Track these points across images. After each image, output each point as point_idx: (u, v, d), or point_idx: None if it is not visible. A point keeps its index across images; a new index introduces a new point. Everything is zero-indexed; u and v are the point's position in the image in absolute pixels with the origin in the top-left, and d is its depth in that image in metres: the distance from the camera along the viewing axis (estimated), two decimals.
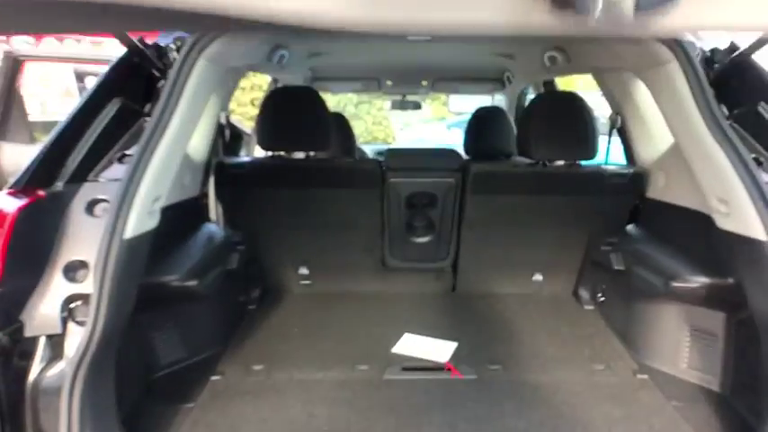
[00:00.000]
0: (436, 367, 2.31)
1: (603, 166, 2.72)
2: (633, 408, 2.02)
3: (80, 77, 3.63)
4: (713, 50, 1.97)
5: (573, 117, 2.60)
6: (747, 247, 1.64)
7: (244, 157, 3.46)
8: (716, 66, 1.94)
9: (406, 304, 2.98)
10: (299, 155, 2.73)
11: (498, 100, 5.43)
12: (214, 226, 2.74)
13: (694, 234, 2.20)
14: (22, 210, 1.47)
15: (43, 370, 1.50)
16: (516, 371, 2.27)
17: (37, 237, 1.54)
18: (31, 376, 1.49)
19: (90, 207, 1.63)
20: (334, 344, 2.50)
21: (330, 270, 3.05)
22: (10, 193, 1.54)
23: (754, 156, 1.72)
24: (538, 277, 3.04)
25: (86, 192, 1.65)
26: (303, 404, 2.04)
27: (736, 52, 1.88)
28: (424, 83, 4.84)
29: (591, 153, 2.62)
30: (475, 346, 2.48)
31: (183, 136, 1.80)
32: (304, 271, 3.05)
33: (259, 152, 2.90)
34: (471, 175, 2.66)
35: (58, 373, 1.50)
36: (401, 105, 5.61)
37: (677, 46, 1.82)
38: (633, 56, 2.06)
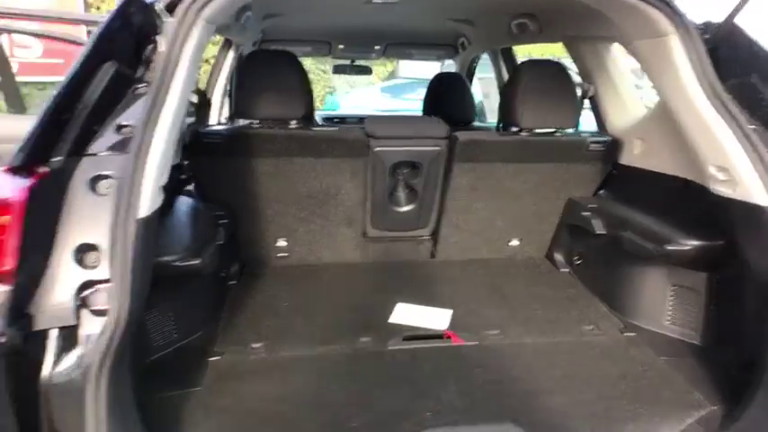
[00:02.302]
0: (436, 335, 2.32)
1: (583, 134, 2.80)
2: (628, 364, 2.13)
3: None
4: (706, 23, 2.05)
5: (558, 86, 2.64)
6: (747, 213, 1.75)
7: (219, 126, 3.28)
8: (707, 37, 2.03)
9: (388, 273, 2.96)
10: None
11: (447, 66, 5.45)
12: (192, 199, 2.57)
13: (672, 198, 2.33)
14: (31, 190, 1.30)
15: (57, 366, 1.35)
16: (514, 335, 2.33)
17: (44, 220, 1.38)
18: (44, 373, 1.34)
19: (93, 183, 1.46)
20: (328, 317, 2.45)
21: (309, 242, 2.96)
22: (7, 170, 1.36)
23: (752, 126, 1.84)
24: (515, 242, 3.11)
25: (87, 167, 1.47)
26: (314, 380, 1.99)
27: (724, 17, 1.96)
28: (377, 47, 4.76)
29: (574, 122, 2.69)
30: (467, 313, 2.51)
31: (183, 104, 1.67)
32: (282, 243, 2.94)
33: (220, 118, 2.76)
34: (458, 143, 2.65)
35: (75, 369, 1.35)
36: (349, 70, 5.49)
37: (678, 18, 1.88)
38: (628, 26, 2.11)
